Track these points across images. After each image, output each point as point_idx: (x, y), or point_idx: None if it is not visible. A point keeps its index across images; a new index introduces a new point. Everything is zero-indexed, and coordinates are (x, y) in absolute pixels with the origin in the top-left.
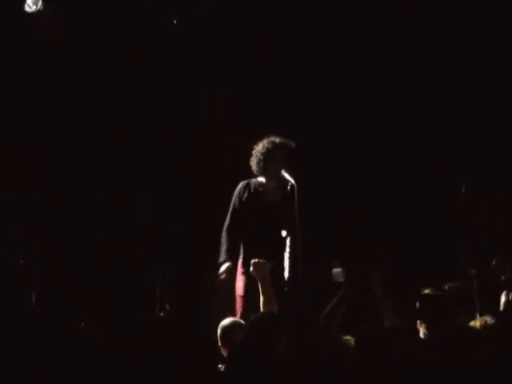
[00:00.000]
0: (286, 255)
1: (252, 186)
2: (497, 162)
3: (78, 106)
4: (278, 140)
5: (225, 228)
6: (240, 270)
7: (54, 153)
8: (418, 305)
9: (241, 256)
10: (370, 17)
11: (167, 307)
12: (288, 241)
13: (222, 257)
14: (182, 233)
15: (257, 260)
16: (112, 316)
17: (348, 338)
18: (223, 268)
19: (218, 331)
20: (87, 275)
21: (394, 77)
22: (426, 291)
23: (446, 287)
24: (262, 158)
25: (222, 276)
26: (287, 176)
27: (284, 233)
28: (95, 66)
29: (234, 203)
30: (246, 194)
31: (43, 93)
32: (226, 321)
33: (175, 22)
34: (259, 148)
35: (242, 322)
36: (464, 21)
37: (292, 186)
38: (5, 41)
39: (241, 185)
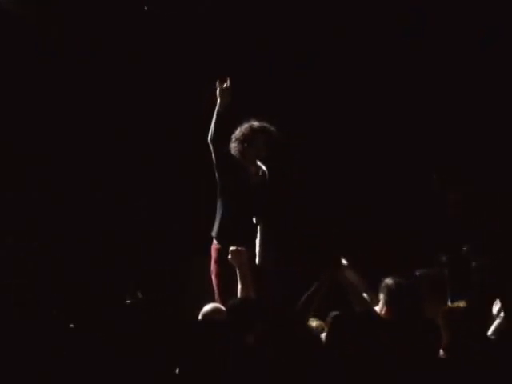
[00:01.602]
0: (257, 242)
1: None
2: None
3: (78, 106)
4: (256, 124)
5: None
6: (214, 256)
7: (54, 153)
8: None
9: (215, 242)
10: (370, 17)
11: (139, 295)
12: (259, 228)
13: None
14: (182, 232)
15: (235, 248)
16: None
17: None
18: None
19: (199, 317)
20: (87, 275)
21: (393, 76)
22: (389, 280)
23: (418, 274)
24: (238, 143)
25: None
26: (258, 162)
27: (255, 219)
28: (95, 66)
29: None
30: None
31: (43, 93)
32: (207, 307)
33: (146, 8)
34: (236, 133)
35: (223, 308)
36: (464, 21)
37: (263, 172)
38: (4, 39)
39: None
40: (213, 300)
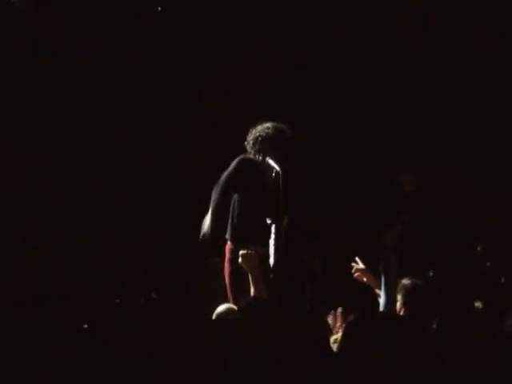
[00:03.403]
0: (272, 242)
1: (254, 165)
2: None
3: (78, 106)
4: (266, 127)
5: (219, 203)
6: (228, 256)
7: (54, 153)
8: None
9: (228, 240)
10: (370, 17)
11: (153, 296)
12: (273, 228)
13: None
14: (182, 232)
15: (245, 251)
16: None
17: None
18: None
19: (213, 318)
20: (87, 275)
21: (392, 76)
22: (405, 281)
23: (431, 274)
24: (251, 145)
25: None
26: (272, 163)
27: (269, 220)
28: (95, 66)
29: (234, 176)
30: (247, 172)
31: (43, 93)
32: (222, 307)
33: (159, 8)
34: (249, 136)
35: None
36: (464, 21)
37: (277, 172)
38: (4, 39)
39: (244, 158)
40: (225, 300)
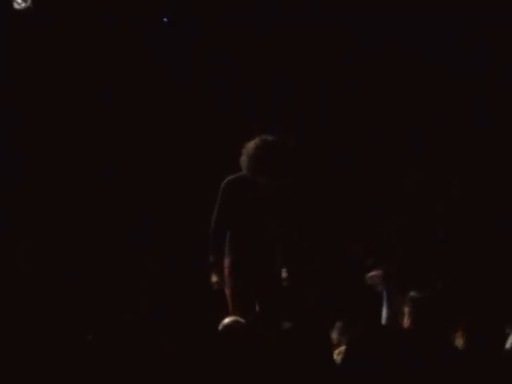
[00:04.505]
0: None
1: (243, 182)
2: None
3: (78, 106)
4: (265, 139)
5: (216, 227)
6: (227, 267)
7: (54, 153)
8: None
9: (227, 256)
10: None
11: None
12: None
13: (215, 258)
14: (182, 233)
15: (236, 320)
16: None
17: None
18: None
19: (220, 329)
20: (87, 275)
21: (392, 77)
22: (413, 293)
23: (439, 286)
24: (248, 157)
25: (215, 283)
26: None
27: (274, 231)
28: (95, 66)
29: (224, 199)
30: (237, 190)
31: (43, 92)
32: (228, 319)
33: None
34: (247, 147)
35: (243, 320)
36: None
37: (284, 185)
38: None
39: (229, 180)
40: (224, 311)
